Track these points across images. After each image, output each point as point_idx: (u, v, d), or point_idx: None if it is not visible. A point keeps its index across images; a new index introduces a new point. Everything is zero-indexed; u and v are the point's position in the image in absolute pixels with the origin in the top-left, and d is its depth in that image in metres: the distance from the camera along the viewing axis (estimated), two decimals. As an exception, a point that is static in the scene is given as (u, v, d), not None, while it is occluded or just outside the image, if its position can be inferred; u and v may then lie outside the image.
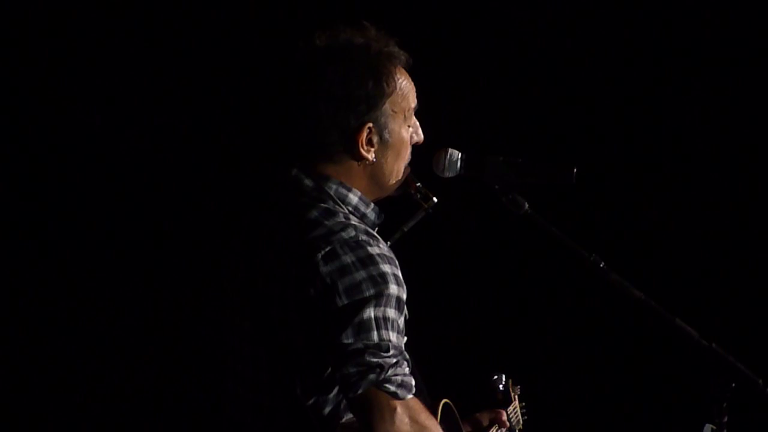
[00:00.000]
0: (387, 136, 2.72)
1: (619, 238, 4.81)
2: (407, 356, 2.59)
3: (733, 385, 2.71)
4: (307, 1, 4.62)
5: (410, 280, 2.64)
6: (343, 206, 2.69)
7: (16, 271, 4.60)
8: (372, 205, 2.75)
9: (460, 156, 2.87)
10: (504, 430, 3.30)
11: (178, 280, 4.68)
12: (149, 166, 4.66)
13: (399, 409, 2.53)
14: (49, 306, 4.62)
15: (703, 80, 4.80)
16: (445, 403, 3.03)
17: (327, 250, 2.57)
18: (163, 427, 4.72)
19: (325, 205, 2.66)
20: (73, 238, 4.63)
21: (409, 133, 2.77)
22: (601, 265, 2.79)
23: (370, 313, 2.53)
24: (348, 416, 2.64)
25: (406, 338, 2.64)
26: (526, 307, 4.95)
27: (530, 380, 3.58)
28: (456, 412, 3.12)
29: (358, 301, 2.54)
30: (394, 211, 2.86)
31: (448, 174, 2.88)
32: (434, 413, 2.92)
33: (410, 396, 2.57)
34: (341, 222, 2.62)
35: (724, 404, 2.72)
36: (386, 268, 2.57)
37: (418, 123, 2.79)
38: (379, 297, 2.54)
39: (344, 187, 2.71)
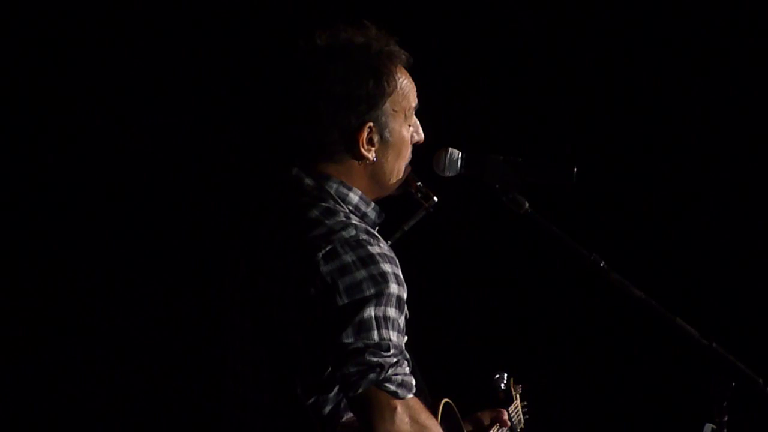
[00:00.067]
0: (387, 135, 2.72)
1: (620, 238, 4.81)
2: (407, 356, 2.59)
3: (734, 384, 2.71)
4: (307, 1, 4.62)
5: (411, 279, 2.64)
6: (344, 205, 2.69)
7: (16, 271, 4.60)
8: (372, 204, 2.75)
9: (460, 155, 2.87)
10: (505, 429, 3.30)
11: (179, 279, 4.68)
12: (150, 166, 4.66)
13: (399, 409, 2.53)
14: (49, 305, 4.62)
15: (703, 79, 4.80)
16: (446, 402, 3.03)
17: (327, 249, 2.57)
18: (163, 427, 4.72)
19: (326, 205, 2.66)
20: (73, 237, 4.63)
21: (410, 133, 2.77)
22: (602, 265, 2.79)
23: (370, 312, 2.53)
24: (348, 415, 2.64)
25: (406, 337, 2.64)
26: (527, 307, 4.95)
27: (531, 379, 3.58)
28: (457, 411, 3.12)
29: (358, 300, 2.54)
30: (395, 211, 2.86)
31: (449, 173, 2.88)
32: (435, 413, 2.92)
33: (410, 395, 2.57)
34: (342, 221, 2.62)
35: (725, 403, 2.72)
36: (387, 267, 2.57)
37: (418, 122, 2.79)
38: (380, 296, 2.54)
39: (345, 186, 2.71)
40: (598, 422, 4.94)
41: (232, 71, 4.66)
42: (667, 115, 4.85)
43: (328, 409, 2.63)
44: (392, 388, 2.53)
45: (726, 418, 2.73)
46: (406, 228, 2.93)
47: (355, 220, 2.66)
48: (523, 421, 3.48)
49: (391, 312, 2.56)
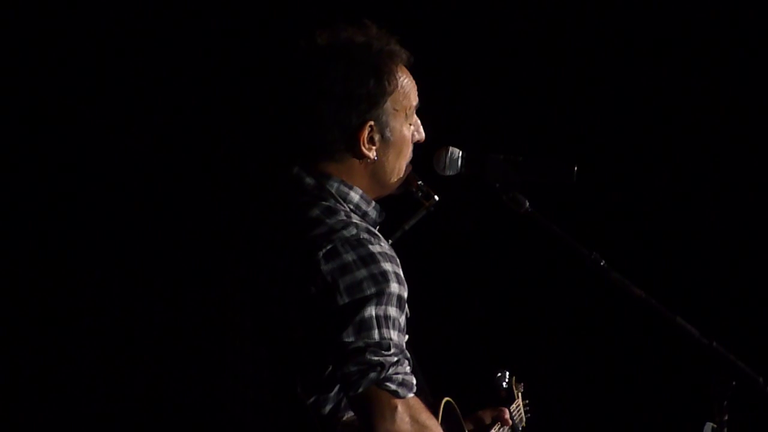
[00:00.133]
0: (388, 134, 2.72)
1: (620, 237, 4.81)
2: (408, 355, 2.59)
3: (734, 383, 2.71)
4: (308, 0, 4.62)
5: (411, 278, 2.64)
6: (345, 204, 2.69)
7: (16, 271, 4.60)
8: (373, 203, 2.75)
9: (460, 154, 2.87)
10: (506, 428, 3.30)
11: (180, 278, 4.68)
12: (150, 165, 4.66)
13: (400, 408, 2.54)
14: (49, 305, 4.62)
15: (703, 79, 4.80)
16: (447, 401, 3.03)
17: (328, 248, 2.57)
18: (163, 426, 4.72)
19: (327, 204, 2.66)
20: (73, 237, 4.63)
21: (411, 132, 2.77)
22: (602, 264, 2.79)
23: (371, 311, 2.53)
24: (349, 414, 2.64)
25: (407, 336, 2.64)
26: (527, 306, 4.95)
27: (532, 378, 3.58)
28: (458, 410, 3.11)
29: (359, 299, 2.54)
30: (396, 210, 2.87)
31: (449, 172, 2.88)
32: (436, 412, 2.92)
33: (411, 395, 2.57)
34: (342, 220, 2.62)
35: (725, 402, 2.72)
36: (387, 266, 2.57)
37: (419, 121, 2.80)
38: (380, 295, 2.55)
39: (345, 185, 2.71)
40: (599, 421, 4.94)
41: (232, 71, 4.66)
42: (667, 115, 4.85)
43: (328, 408, 2.63)
44: (393, 387, 2.53)
45: (726, 417, 2.73)
46: (406, 227, 2.93)
47: (355, 219, 2.66)
48: (524, 419, 3.48)
49: (392, 311, 2.56)
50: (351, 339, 2.52)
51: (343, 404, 2.63)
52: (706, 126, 4.82)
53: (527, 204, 2.84)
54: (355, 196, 2.72)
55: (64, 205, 4.62)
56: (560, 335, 4.95)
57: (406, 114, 2.75)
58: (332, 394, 2.63)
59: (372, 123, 2.70)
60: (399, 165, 2.76)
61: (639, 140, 4.87)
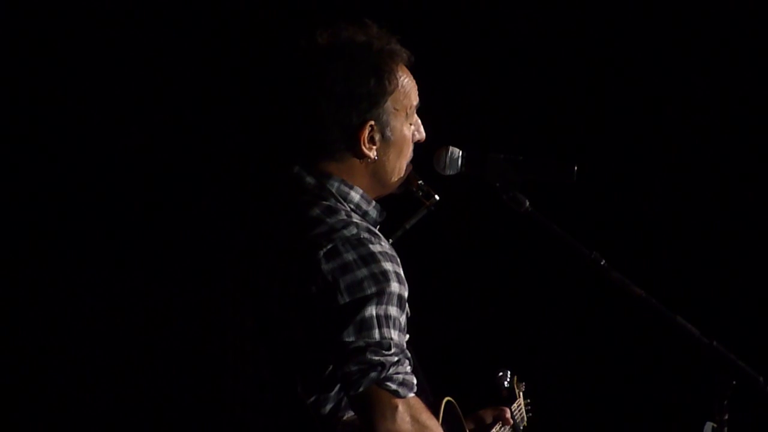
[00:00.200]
0: (389, 133, 2.72)
1: (620, 236, 4.81)
2: (409, 354, 2.59)
3: (734, 382, 2.71)
4: (308, 0, 4.62)
5: (412, 277, 2.64)
6: (345, 204, 2.69)
7: (16, 271, 4.60)
8: (374, 202, 2.75)
9: (461, 154, 2.87)
10: (508, 427, 3.30)
11: (180, 277, 4.68)
12: (151, 164, 4.66)
13: (400, 408, 2.54)
14: (49, 305, 4.62)
15: (703, 77, 4.80)
16: (448, 401, 3.03)
17: (329, 247, 2.57)
18: (164, 425, 4.72)
19: (327, 203, 2.66)
20: (74, 236, 4.63)
21: (411, 131, 2.77)
22: (602, 263, 2.79)
23: (371, 311, 2.53)
24: (349, 414, 2.64)
25: (407, 336, 2.64)
26: (528, 305, 4.95)
27: (533, 377, 3.58)
28: (459, 410, 3.11)
29: (359, 299, 2.54)
30: (396, 209, 2.87)
31: (449, 172, 2.88)
32: (436, 412, 2.92)
33: (411, 395, 2.57)
34: (343, 220, 2.62)
35: (725, 402, 2.72)
36: (388, 265, 2.57)
37: (419, 120, 2.80)
38: (381, 295, 2.55)
39: (346, 184, 2.71)
40: (600, 420, 4.94)
41: (233, 70, 4.66)
42: (667, 114, 4.85)
43: (328, 407, 2.63)
44: (393, 386, 2.53)
45: (726, 417, 2.73)
46: (407, 226, 2.94)
47: (356, 218, 2.66)
48: (526, 419, 3.48)
49: (393, 311, 2.56)
50: (351, 338, 2.52)
51: (343, 404, 2.64)
52: (706, 126, 4.82)
53: (527, 203, 2.84)
54: (355, 195, 2.72)
55: (64, 205, 4.61)
56: (561, 335, 4.95)
57: (406, 113, 2.75)
58: (332, 393, 2.63)
59: (372, 122, 2.70)
60: (399, 164, 2.76)
61: (639, 140, 4.87)
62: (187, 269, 4.67)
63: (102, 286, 4.66)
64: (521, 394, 3.48)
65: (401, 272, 2.60)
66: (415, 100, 2.77)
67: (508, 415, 3.29)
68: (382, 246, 2.60)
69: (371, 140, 2.71)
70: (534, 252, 4.78)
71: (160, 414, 4.72)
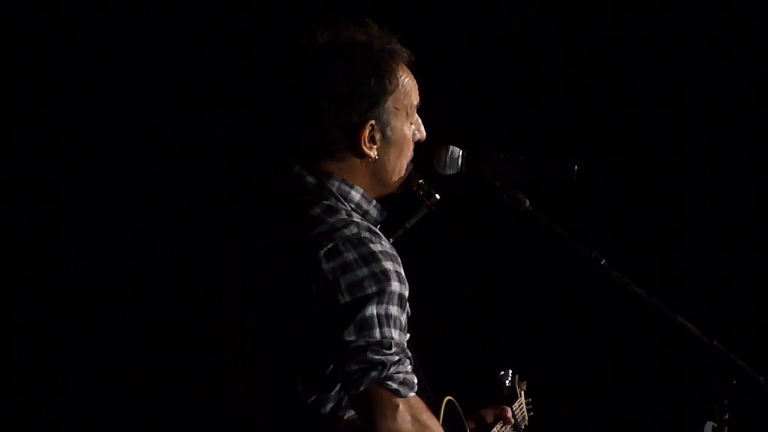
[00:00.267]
0: (389, 133, 2.72)
1: (620, 236, 4.81)
2: (409, 354, 2.59)
3: (735, 382, 2.71)
4: (308, 0, 4.62)
5: (412, 276, 2.64)
6: (346, 203, 2.69)
7: (17, 271, 4.60)
8: (374, 202, 2.75)
9: (461, 153, 2.87)
10: (509, 426, 3.30)
11: (180, 277, 4.68)
12: (151, 164, 4.66)
13: (401, 407, 2.54)
14: (49, 305, 4.62)
15: (703, 78, 4.80)
16: (449, 400, 3.02)
17: (329, 247, 2.57)
18: (164, 425, 4.72)
19: (328, 202, 2.66)
20: (74, 237, 4.63)
21: (412, 130, 2.77)
22: (602, 262, 2.79)
23: (372, 310, 2.53)
24: (349, 413, 2.64)
25: (408, 335, 2.64)
26: (528, 304, 4.95)
27: (534, 376, 3.58)
28: (459, 409, 3.11)
29: (360, 298, 2.54)
30: (397, 208, 2.87)
31: (450, 171, 2.88)
32: (437, 411, 2.92)
33: (412, 394, 2.57)
34: (343, 219, 2.62)
35: (726, 401, 2.72)
36: (388, 265, 2.57)
37: (420, 120, 2.80)
38: (381, 294, 2.55)
39: (346, 184, 2.71)
40: (600, 419, 4.94)
41: (234, 69, 4.66)
42: (668, 113, 4.85)
43: (329, 407, 2.63)
44: (394, 386, 2.53)
45: (727, 416, 2.73)
46: (407, 226, 2.94)
47: (356, 217, 2.66)
48: (527, 418, 3.48)
49: (393, 310, 2.56)
50: (352, 338, 2.52)
51: (344, 403, 2.64)
52: (706, 125, 4.82)
53: (527, 203, 2.84)
54: (356, 195, 2.72)
55: (64, 204, 4.61)
56: (561, 334, 4.95)
57: (407, 113, 2.75)
58: (333, 392, 2.63)
59: (373, 122, 2.70)
60: (400, 164, 2.76)
61: (640, 139, 4.87)
62: (187, 269, 4.67)
63: (102, 286, 4.66)
64: (522, 393, 3.48)
65: (402, 271, 2.60)
66: (415, 100, 2.77)
67: (510, 414, 3.28)
68: (382, 245, 2.60)
69: (372, 140, 2.71)
70: (534, 251, 4.79)
71: (161, 414, 4.72)
